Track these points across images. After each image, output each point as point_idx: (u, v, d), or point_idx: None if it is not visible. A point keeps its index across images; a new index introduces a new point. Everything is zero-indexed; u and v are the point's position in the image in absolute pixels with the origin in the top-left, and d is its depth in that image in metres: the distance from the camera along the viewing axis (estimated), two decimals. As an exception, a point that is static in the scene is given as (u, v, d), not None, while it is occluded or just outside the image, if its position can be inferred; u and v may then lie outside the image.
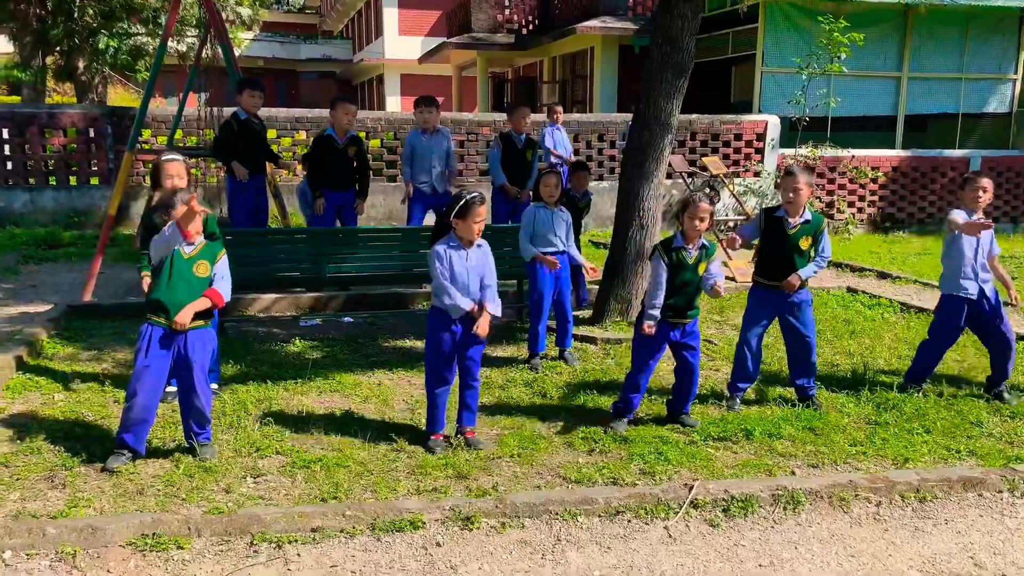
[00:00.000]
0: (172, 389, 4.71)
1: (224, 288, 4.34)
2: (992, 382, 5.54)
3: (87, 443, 4.35)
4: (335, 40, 43.63)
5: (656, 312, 4.66)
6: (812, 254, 5.09)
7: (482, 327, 4.34)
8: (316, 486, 3.97)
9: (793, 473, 4.24)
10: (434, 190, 7.95)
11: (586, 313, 7.18)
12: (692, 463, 4.34)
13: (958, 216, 5.31)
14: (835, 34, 12.43)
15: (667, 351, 4.90)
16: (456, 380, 4.58)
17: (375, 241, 6.56)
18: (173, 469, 4.10)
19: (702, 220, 4.61)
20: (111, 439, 4.32)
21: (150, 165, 10.78)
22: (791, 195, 4.99)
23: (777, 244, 5.07)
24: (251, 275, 6.32)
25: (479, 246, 4.46)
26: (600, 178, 12.93)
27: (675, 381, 4.95)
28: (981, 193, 5.30)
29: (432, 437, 4.52)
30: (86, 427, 4.61)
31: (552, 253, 5.95)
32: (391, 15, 33.44)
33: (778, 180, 13.10)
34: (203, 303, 4.22)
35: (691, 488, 3.89)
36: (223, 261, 4.36)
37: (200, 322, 4.24)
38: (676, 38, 6.31)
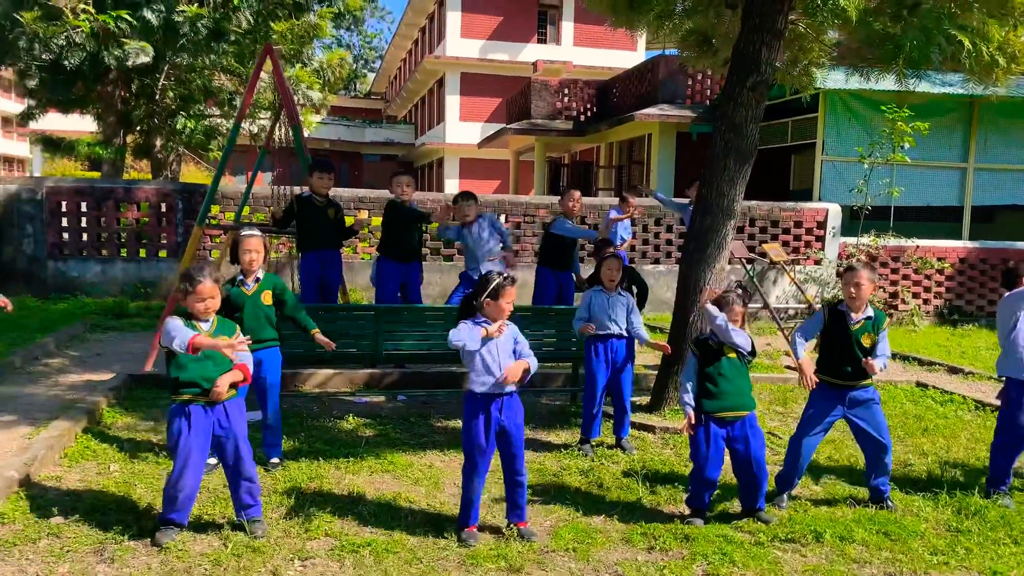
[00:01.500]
0: (212, 461, 4.70)
1: (249, 363, 4.35)
2: None
3: (138, 516, 4.32)
4: (398, 125, 45.22)
5: (688, 400, 4.62)
6: (874, 351, 4.89)
7: (513, 372, 4.15)
8: (364, 573, 3.84)
9: (869, 582, 3.96)
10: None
11: (644, 400, 7.00)
12: (759, 566, 4.08)
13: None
14: (899, 123, 12.34)
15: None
16: (501, 473, 4.44)
17: (434, 319, 6.54)
18: (221, 548, 4.02)
19: (735, 322, 4.62)
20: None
21: (219, 239, 11.19)
22: (853, 290, 4.87)
23: (839, 340, 4.91)
24: (311, 348, 6.33)
25: (506, 324, 4.34)
26: (656, 262, 12.86)
27: (738, 478, 4.75)
28: None
29: (465, 529, 4.31)
30: (138, 500, 4.58)
31: (608, 336, 5.87)
32: (453, 102, 34.57)
33: (840, 270, 12.86)
34: (236, 374, 4.23)
35: (759, 594, 3.64)
36: (240, 338, 4.32)
37: (232, 392, 4.24)
38: (740, 125, 6.30)
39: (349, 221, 11.76)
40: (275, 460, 5.23)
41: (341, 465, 5.30)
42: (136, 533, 4.12)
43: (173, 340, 4.01)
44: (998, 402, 7.23)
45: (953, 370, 9.30)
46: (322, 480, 5.02)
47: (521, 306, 6.95)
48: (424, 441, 5.96)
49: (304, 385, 7.23)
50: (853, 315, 4.90)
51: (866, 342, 4.87)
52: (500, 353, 4.24)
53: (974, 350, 10.91)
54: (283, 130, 8.46)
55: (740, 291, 4.73)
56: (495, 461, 4.39)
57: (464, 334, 4.13)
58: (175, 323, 4.07)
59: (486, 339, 4.19)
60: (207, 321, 4.22)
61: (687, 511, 4.73)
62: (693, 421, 4.59)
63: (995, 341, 11.68)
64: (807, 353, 5.06)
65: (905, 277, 13.38)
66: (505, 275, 4.34)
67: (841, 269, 12.81)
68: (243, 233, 5.09)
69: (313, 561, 3.96)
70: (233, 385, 4.24)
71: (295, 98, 16.40)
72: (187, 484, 4.06)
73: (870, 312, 4.92)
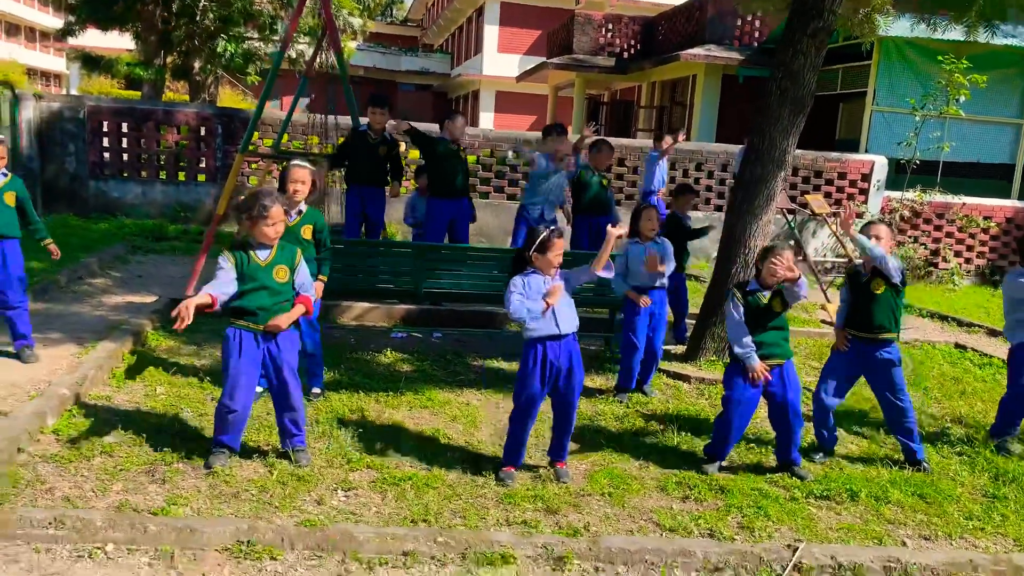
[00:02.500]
0: (259, 389, 4.80)
1: (312, 294, 4.41)
2: None
3: (185, 439, 4.44)
4: (435, 54, 44.47)
5: (750, 350, 4.54)
6: (893, 300, 4.87)
7: (553, 295, 4.17)
8: (406, 506, 3.94)
9: (904, 544, 3.98)
10: (542, 215, 7.92)
11: (680, 349, 6.99)
12: (793, 521, 4.12)
13: None
14: (955, 75, 11.90)
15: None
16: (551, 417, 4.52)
17: (475, 259, 6.54)
18: (267, 475, 4.13)
19: (782, 267, 4.50)
20: (207, 437, 4.40)
21: (255, 166, 11.20)
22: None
23: (858, 294, 4.94)
24: (350, 284, 6.40)
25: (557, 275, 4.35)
26: (695, 208, 12.66)
27: (775, 428, 4.78)
28: None
29: (504, 469, 4.39)
30: (184, 423, 4.71)
31: (647, 289, 5.85)
32: (491, 32, 33.86)
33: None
34: (298, 311, 4.28)
35: (795, 550, 3.68)
36: (303, 266, 4.36)
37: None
38: (797, 73, 6.10)
39: (414, 155, 11.79)
40: (316, 390, 5.32)
41: (381, 399, 5.39)
42: (185, 455, 4.24)
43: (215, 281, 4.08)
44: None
45: (992, 332, 9.16)
46: (363, 413, 5.11)
47: (567, 252, 6.93)
48: (460, 379, 6.02)
49: (342, 317, 7.30)
50: (864, 269, 4.94)
51: (876, 289, 4.85)
52: (558, 308, 4.26)
53: (1015, 313, 10.71)
54: (323, 56, 8.33)
55: (791, 242, 4.70)
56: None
57: (524, 310, 4.14)
58: (221, 268, 4.10)
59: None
60: (269, 248, 4.22)
61: (704, 456, 4.79)
62: (759, 367, 4.54)
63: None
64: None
65: (948, 235, 13.09)
66: (552, 228, 4.31)
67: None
68: (292, 163, 5.07)
69: (356, 492, 4.05)
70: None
71: (336, 24, 16.18)
72: (237, 407, 4.15)
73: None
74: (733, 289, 4.79)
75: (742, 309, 4.63)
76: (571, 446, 4.80)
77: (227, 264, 4.13)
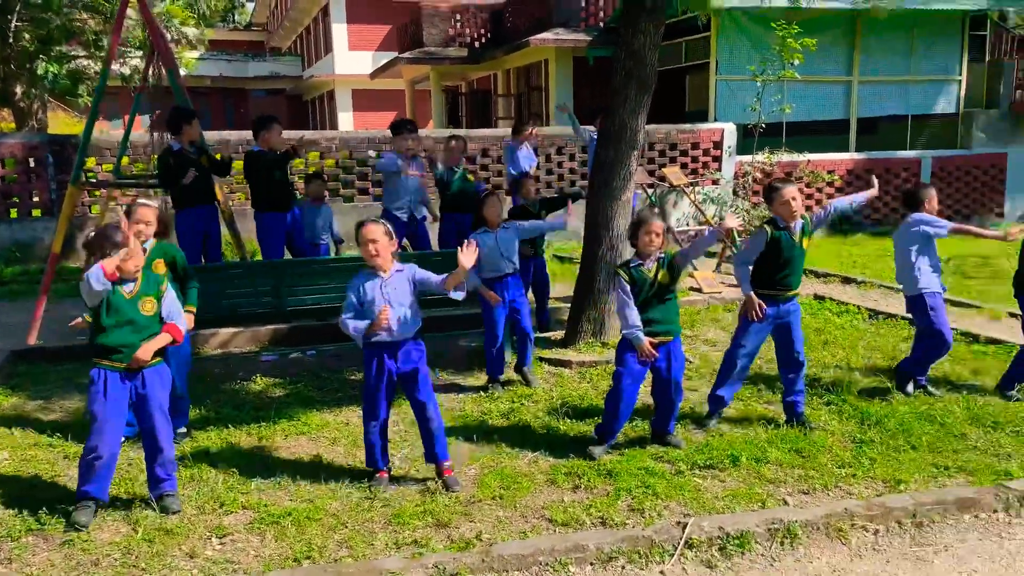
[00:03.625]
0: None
1: (180, 322, 4.21)
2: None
3: (35, 507, 4.03)
4: (284, 57, 43.01)
5: (635, 330, 4.55)
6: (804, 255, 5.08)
7: (382, 318, 4.09)
8: (287, 544, 3.72)
9: (785, 502, 4.11)
10: (411, 217, 7.72)
11: (558, 335, 7.02)
12: (681, 495, 4.18)
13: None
14: (788, 40, 12.52)
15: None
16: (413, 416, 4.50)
17: (339, 269, 6.31)
18: (131, 533, 3.81)
19: (657, 235, 4.61)
20: (63, 500, 4.04)
21: (98, 194, 10.42)
22: (791, 204, 4.95)
23: (783, 253, 4.97)
24: (207, 310, 6.03)
25: (399, 271, 4.28)
26: (560, 191, 12.80)
27: (656, 401, 4.86)
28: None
29: (376, 475, 4.36)
30: (34, 488, 4.29)
31: (503, 276, 5.84)
32: (340, 30, 33.03)
33: (738, 189, 13.16)
34: (163, 339, 4.06)
35: (684, 527, 3.72)
36: (170, 294, 4.19)
37: (156, 359, 4.06)
38: (639, 52, 6.20)
39: (237, 166, 11.24)
40: (182, 429, 4.98)
41: (253, 431, 5.10)
42: (35, 525, 3.86)
43: (92, 286, 3.76)
44: (889, 309, 7.64)
45: (847, 280, 9.72)
46: (234, 448, 4.82)
47: (434, 252, 6.80)
48: (339, 397, 5.80)
49: (205, 346, 6.89)
50: (792, 225, 4.98)
51: (806, 245, 5.02)
52: (393, 303, 4.18)
53: (864, 258, 11.44)
54: (156, 70, 7.82)
55: (655, 208, 4.76)
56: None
57: (352, 330, 4.21)
58: (91, 271, 3.79)
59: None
60: (132, 280, 3.95)
61: (595, 437, 4.81)
62: (646, 346, 4.56)
63: (882, 247, 12.29)
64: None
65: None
66: (367, 220, 4.32)
67: (740, 188, 13.12)
68: (138, 202, 4.75)
69: (232, 537, 3.80)
70: (159, 351, 4.06)
71: (168, 35, 15.28)
72: (104, 452, 3.89)
73: (800, 221, 5.02)
74: (617, 269, 4.79)
75: (628, 288, 4.63)
76: (461, 450, 4.72)
77: (92, 269, 3.84)
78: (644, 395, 5.18)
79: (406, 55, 20.72)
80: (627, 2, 6.26)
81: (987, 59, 15.96)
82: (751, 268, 5.09)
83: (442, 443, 4.41)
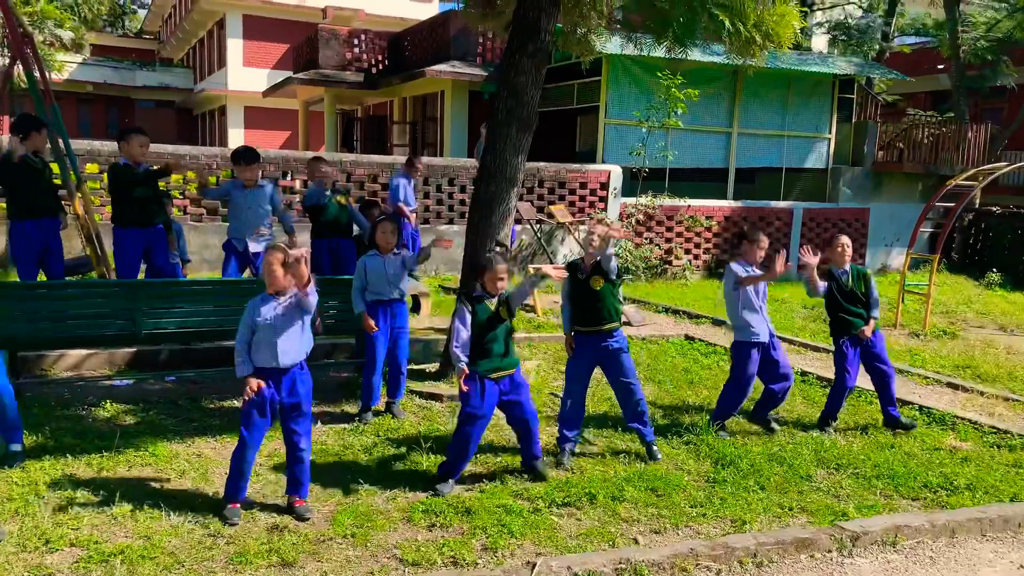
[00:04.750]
0: None
1: None
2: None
3: None
4: (175, 68, 41.53)
5: (463, 361, 4.64)
6: (612, 293, 5.25)
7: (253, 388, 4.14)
8: (115, 586, 3.48)
9: (636, 541, 4.17)
10: (247, 247, 7.45)
11: (432, 367, 6.95)
12: (536, 534, 4.18)
13: (738, 269, 5.86)
14: (672, 90, 13.08)
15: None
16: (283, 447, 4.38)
17: (199, 292, 6.05)
18: (-65, 574, 3.48)
19: (502, 280, 4.78)
20: None
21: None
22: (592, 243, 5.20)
23: (586, 293, 5.22)
24: (49, 332, 5.67)
25: (292, 295, 4.25)
26: (451, 222, 12.82)
27: (514, 429, 4.96)
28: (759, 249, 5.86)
29: (229, 506, 4.21)
30: None
31: (389, 301, 5.84)
32: (235, 46, 32.24)
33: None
34: None
35: (533, 567, 3.71)
36: None
37: None
38: (521, 92, 6.29)
39: (92, 170, 10.69)
40: (16, 447, 4.67)
41: (94, 461, 4.78)
42: None
43: None
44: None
45: (717, 322, 10.10)
46: (70, 480, 4.50)
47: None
48: (194, 427, 5.53)
49: (53, 368, 6.45)
50: (585, 266, 5.26)
51: (596, 285, 5.19)
52: (280, 341, 4.17)
53: (736, 302, 11.92)
54: (18, 71, 7.38)
55: (499, 248, 4.85)
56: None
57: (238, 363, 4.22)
58: None
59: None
60: None
61: (440, 476, 4.78)
62: (463, 373, 4.62)
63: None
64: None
65: (679, 235, 14.33)
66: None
67: (625, 229, 13.48)
68: None
69: (53, 579, 3.53)
70: None
71: (40, 36, 14.46)
72: None
73: (597, 257, 5.20)
74: (462, 297, 4.86)
75: (468, 319, 4.70)
76: (316, 486, 4.57)
77: None
78: (510, 430, 5.20)
79: (300, 75, 20.40)
80: (511, 41, 6.36)
81: (854, 120, 17.16)
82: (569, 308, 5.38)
83: (306, 480, 4.36)
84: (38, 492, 4.31)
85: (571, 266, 5.37)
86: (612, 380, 5.36)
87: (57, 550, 3.76)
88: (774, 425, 6.08)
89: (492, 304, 4.75)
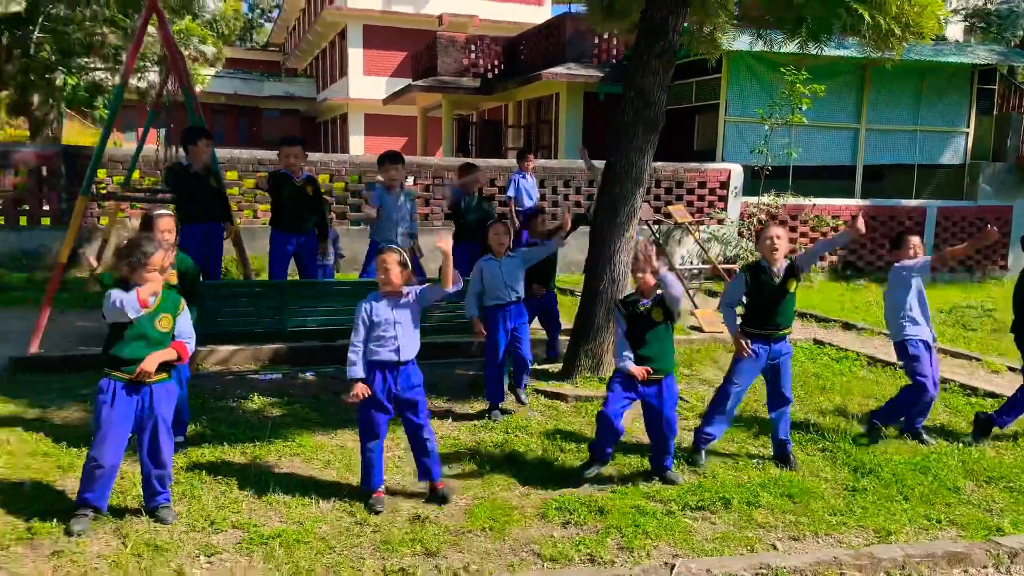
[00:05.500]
0: None
1: (190, 344, 4.26)
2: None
3: (27, 515, 4.04)
4: (299, 78, 43.55)
5: (626, 360, 4.69)
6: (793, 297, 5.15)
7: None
8: (275, 566, 3.72)
9: (775, 547, 4.10)
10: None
11: (556, 367, 7.03)
12: (671, 536, 4.17)
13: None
14: (797, 85, 12.68)
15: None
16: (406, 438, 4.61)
17: (341, 293, 6.36)
18: (120, 547, 3.82)
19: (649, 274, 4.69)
20: (54, 511, 4.05)
21: (105, 206, 10.51)
22: (770, 243, 5.05)
23: (766, 294, 5.08)
24: (203, 329, 6.07)
25: (407, 295, 4.43)
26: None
27: (650, 437, 4.92)
28: None
29: (373, 495, 4.41)
30: (28, 497, 4.29)
31: (506, 304, 5.91)
32: (356, 55, 33.49)
33: (743, 230, 13.23)
34: (169, 353, 4.11)
35: (672, 568, 3.72)
36: (185, 314, 4.25)
37: (163, 375, 4.12)
38: (648, 93, 6.29)
39: (249, 183, 11.35)
40: (180, 438, 5.05)
41: (247, 450, 5.11)
42: (26, 534, 3.86)
43: (120, 309, 3.87)
44: (888, 358, 7.64)
45: (847, 326, 9.73)
46: (227, 466, 4.82)
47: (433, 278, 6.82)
48: (336, 420, 5.80)
49: (204, 363, 6.91)
50: (774, 268, 5.08)
51: (791, 288, 5.09)
52: (401, 334, 4.34)
53: (866, 305, 11.45)
54: (174, 86, 7.96)
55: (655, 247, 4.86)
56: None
57: (351, 363, 4.40)
58: (115, 293, 3.90)
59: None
60: (153, 296, 4.02)
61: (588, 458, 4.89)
62: (635, 370, 4.66)
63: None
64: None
65: (803, 235, 13.87)
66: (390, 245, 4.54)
67: (745, 229, 13.19)
68: (156, 213, 4.85)
69: (220, 556, 3.80)
70: (167, 367, 4.11)
71: (186, 52, 15.51)
72: (106, 462, 3.94)
73: (786, 262, 5.12)
74: (617, 303, 4.92)
75: (624, 324, 4.75)
76: (451, 482, 4.72)
77: (116, 291, 3.94)
78: (641, 432, 5.21)
79: (420, 83, 20.96)
80: (638, 42, 6.36)
81: (995, 112, 16.11)
82: (736, 309, 5.26)
83: (436, 463, 4.54)
84: (201, 477, 4.64)
85: (755, 267, 5.16)
86: (773, 389, 5.22)
87: (221, 531, 4.05)
88: (927, 438, 5.76)
89: (643, 306, 4.73)
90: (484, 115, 24.30)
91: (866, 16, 5.47)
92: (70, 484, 4.38)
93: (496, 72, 21.01)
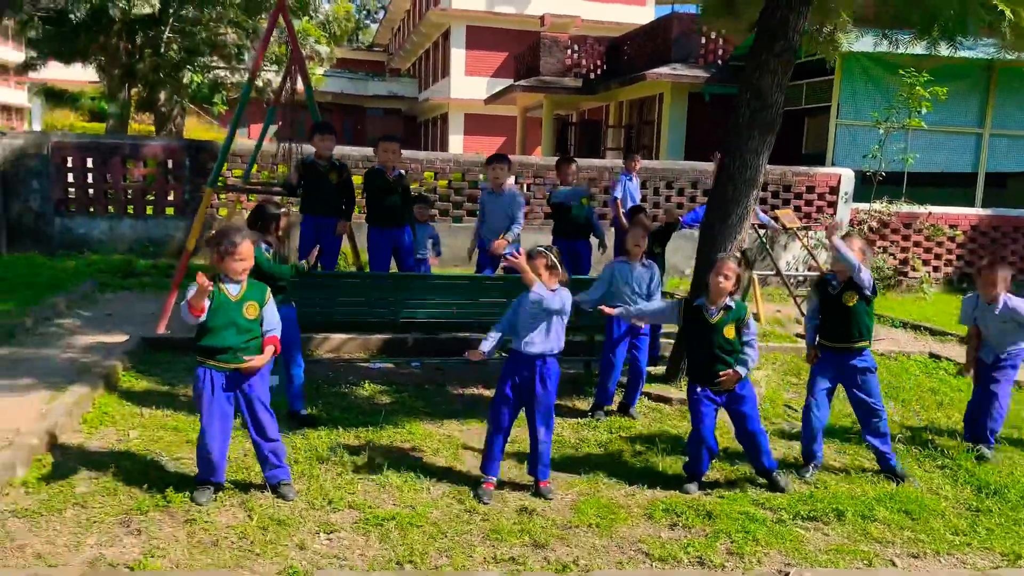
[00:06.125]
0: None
1: (276, 331, 4.37)
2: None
3: (161, 485, 4.30)
4: (402, 78, 44.60)
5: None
6: (865, 311, 4.99)
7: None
8: (391, 547, 3.85)
9: (894, 564, 3.96)
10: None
11: (659, 370, 6.98)
12: (782, 544, 4.09)
13: None
14: (917, 88, 12.14)
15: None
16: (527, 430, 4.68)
17: (454, 288, 6.52)
18: (247, 520, 4.03)
19: (727, 278, 4.63)
20: (185, 482, 4.32)
21: (224, 197, 11.05)
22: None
23: (830, 306, 5.05)
24: (319, 317, 6.33)
25: (552, 292, 4.49)
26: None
27: (740, 443, 4.90)
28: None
29: (483, 485, 4.52)
30: (160, 468, 4.58)
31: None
32: (458, 56, 34.02)
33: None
34: (269, 352, 4.29)
35: (786, 575, 3.65)
36: (271, 304, 4.37)
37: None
38: (765, 93, 6.16)
39: (357, 180, 11.70)
40: (299, 411, 5.45)
41: (360, 434, 5.30)
42: (161, 502, 4.12)
43: (184, 320, 4.12)
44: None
45: (964, 340, 9.25)
46: (343, 449, 5.01)
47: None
48: (442, 410, 5.95)
49: (317, 350, 7.20)
50: (835, 282, 5.05)
51: (849, 301, 4.96)
52: (535, 320, 4.48)
53: (985, 320, 10.86)
54: (290, 84, 8.29)
55: (738, 254, 4.82)
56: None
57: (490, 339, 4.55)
58: (181, 306, 4.13)
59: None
60: (238, 283, 4.20)
61: (685, 476, 4.84)
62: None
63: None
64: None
65: (916, 244, 13.29)
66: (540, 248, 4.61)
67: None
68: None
69: (339, 534, 3.96)
70: (255, 350, 4.26)
71: (303, 52, 16.15)
72: (215, 447, 4.16)
73: (866, 276, 4.95)
74: (680, 300, 5.01)
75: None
76: (557, 476, 4.76)
77: (189, 292, 4.12)
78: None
79: (522, 83, 21.13)
80: (756, 41, 6.25)
81: None
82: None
83: (546, 465, 4.62)
84: (319, 457, 4.85)
85: (822, 280, 5.17)
86: (853, 399, 5.12)
87: (339, 510, 4.22)
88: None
89: (715, 317, 4.68)
90: (584, 115, 24.28)
91: (1008, 13, 5.19)
92: (196, 456, 4.64)
93: (598, 72, 20.96)
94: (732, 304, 4.71)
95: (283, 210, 5.29)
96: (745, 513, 4.42)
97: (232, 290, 4.19)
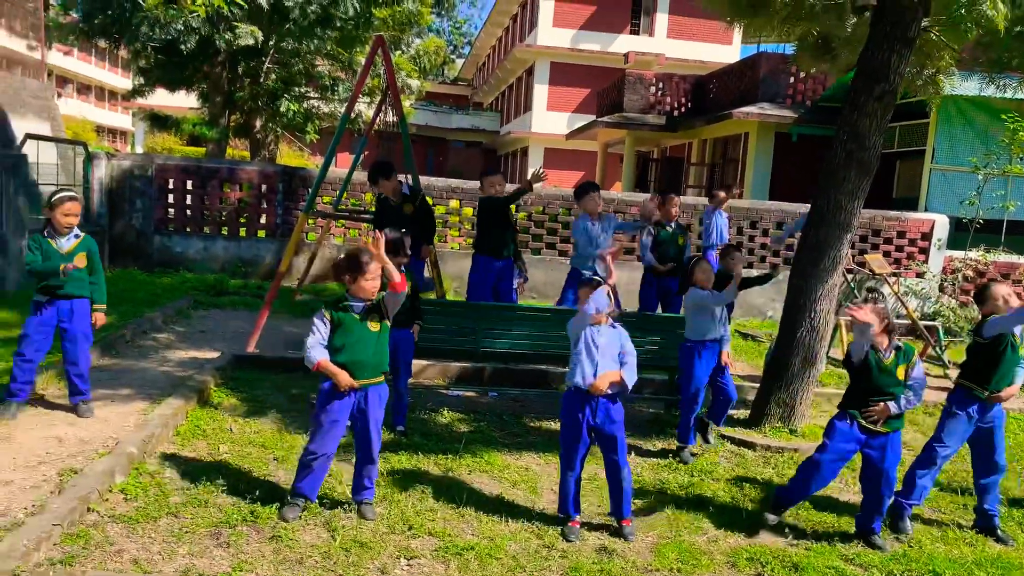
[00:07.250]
0: None
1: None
2: None
3: (249, 500, 4.42)
4: (485, 112, 45.38)
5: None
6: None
7: (599, 384, 4.34)
8: (470, 577, 3.85)
9: (997, 633, 3.74)
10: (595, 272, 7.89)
11: (743, 414, 6.82)
12: (873, 604, 3.92)
13: None
14: (1020, 133, 11.69)
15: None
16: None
17: (536, 319, 6.55)
18: (330, 540, 4.09)
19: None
20: (272, 497, 4.41)
21: (313, 222, 11.40)
22: (1001, 302, 4.95)
23: (995, 349, 4.88)
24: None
25: (613, 326, 4.50)
26: (750, 266, 12.51)
27: (864, 491, 4.69)
28: None
29: (568, 524, 4.47)
30: (248, 483, 4.69)
31: (710, 341, 5.84)
32: (541, 91, 34.45)
33: (945, 285, 12.29)
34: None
35: (881, 637, 3.48)
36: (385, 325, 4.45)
37: (379, 378, 4.40)
38: (863, 136, 6.03)
39: (440, 210, 11.92)
40: (400, 428, 5.71)
41: (440, 461, 5.33)
42: (249, 517, 4.23)
43: (309, 354, 4.23)
44: None
45: (1069, 400, 8.75)
46: (422, 475, 5.05)
47: (628, 312, 6.89)
48: (519, 441, 5.94)
49: (399, 375, 7.29)
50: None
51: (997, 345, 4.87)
52: (602, 353, 4.40)
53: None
54: (382, 116, 8.56)
55: (869, 293, 4.67)
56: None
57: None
58: (315, 336, 4.23)
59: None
60: (363, 302, 4.30)
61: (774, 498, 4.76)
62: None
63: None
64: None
65: (1017, 295, 12.66)
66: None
67: (948, 285, 12.24)
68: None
69: (419, 560, 3.98)
70: (380, 372, 4.39)
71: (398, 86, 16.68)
72: (323, 451, 4.28)
73: None
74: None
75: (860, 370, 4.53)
76: (636, 516, 4.68)
77: (321, 326, 4.27)
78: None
79: (605, 119, 21.24)
80: (855, 82, 6.13)
81: None
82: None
83: (628, 503, 4.55)
84: (399, 483, 4.89)
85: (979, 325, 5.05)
86: (982, 452, 4.98)
87: (419, 536, 4.24)
88: None
89: (888, 359, 4.51)
90: (665, 152, 24.20)
91: None
92: (282, 476, 4.75)
93: (682, 110, 20.90)
94: (901, 344, 4.57)
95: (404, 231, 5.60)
96: (834, 568, 4.25)
97: (357, 307, 4.30)
